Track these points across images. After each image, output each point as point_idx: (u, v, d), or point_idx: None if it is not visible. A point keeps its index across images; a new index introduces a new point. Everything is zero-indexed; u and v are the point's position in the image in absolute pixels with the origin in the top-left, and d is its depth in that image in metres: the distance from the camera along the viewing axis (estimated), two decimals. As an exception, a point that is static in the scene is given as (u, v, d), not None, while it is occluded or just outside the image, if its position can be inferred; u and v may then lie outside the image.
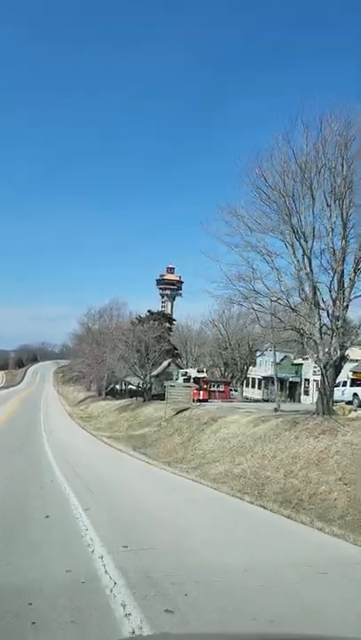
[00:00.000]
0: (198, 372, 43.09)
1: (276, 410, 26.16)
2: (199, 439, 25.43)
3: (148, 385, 50.65)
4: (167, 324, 60.01)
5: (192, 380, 43.62)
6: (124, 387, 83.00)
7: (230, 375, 55.89)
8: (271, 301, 19.12)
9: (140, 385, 52.10)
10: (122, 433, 35.51)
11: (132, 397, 59.82)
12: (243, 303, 20.10)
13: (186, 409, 35.63)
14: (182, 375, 45.39)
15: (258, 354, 53.06)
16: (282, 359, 51.48)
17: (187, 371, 46.15)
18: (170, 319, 59.63)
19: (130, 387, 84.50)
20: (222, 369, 58.23)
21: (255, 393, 54.37)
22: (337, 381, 22.91)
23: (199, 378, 42.50)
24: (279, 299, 18.87)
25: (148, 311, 58.64)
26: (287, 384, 46.63)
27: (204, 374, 43.56)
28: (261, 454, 17.01)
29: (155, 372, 51.31)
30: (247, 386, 55.93)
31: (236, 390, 53.60)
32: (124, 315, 63.68)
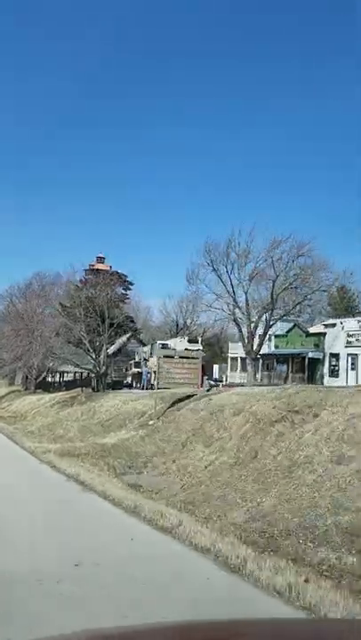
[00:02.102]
0: (190, 341, 28.08)
1: None
2: (304, 459, 10.62)
3: (103, 368, 34.97)
4: (121, 290, 44.35)
5: (177, 357, 28.72)
6: (57, 379, 66.63)
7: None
8: None
9: (92, 370, 36.31)
10: (79, 443, 19.85)
11: (69, 390, 43.92)
12: None
13: (188, 397, 20.78)
14: (161, 348, 30.36)
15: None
16: (289, 330, 37.62)
17: (168, 343, 31.17)
18: (126, 282, 44.03)
19: (65, 378, 68.31)
20: None
21: (235, 377, 39.76)
22: None
23: (194, 350, 27.81)
24: None
25: (97, 270, 42.74)
26: (306, 362, 32.74)
27: (198, 346, 28.69)
28: None
29: (111, 350, 35.74)
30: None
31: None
32: (59, 284, 46.72)
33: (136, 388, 33.27)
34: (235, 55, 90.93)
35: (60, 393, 44.24)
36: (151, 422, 19.79)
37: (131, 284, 43.48)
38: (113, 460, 15.43)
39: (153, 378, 30.57)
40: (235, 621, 2.90)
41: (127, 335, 40.89)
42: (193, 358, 21.43)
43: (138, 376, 33.99)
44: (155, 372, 30.13)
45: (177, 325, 55.79)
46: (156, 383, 27.63)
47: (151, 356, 31.38)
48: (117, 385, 37.11)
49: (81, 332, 34.55)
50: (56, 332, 34.73)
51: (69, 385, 56.01)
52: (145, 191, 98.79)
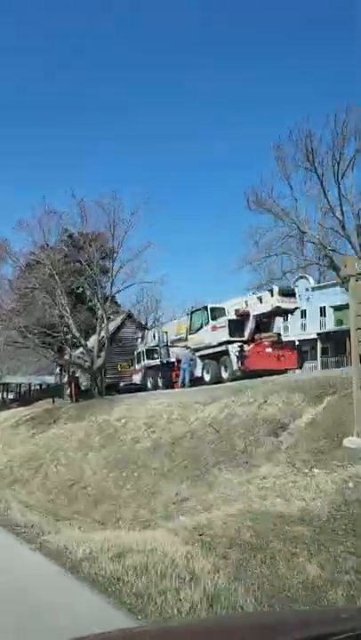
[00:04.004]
0: (284, 293, 15.58)
1: None
2: None
3: (99, 361, 22.26)
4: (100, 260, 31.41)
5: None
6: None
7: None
8: None
9: (80, 364, 23.47)
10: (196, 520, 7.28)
11: (26, 405, 30.59)
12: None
13: None
14: (214, 317, 17.70)
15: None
16: None
17: (223, 306, 18.58)
18: (107, 248, 30.71)
19: (9, 393, 53.91)
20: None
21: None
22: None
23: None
24: None
25: (67, 234, 29.59)
26: None
27: (295, 300, 16.33)
28: None
29: (103, 334, 23.12)
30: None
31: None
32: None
33: (155, 388, 20.91)
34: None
35: (17, 409, 30.72)
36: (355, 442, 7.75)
37: (113, 251, 30.35)
38: None
39: (201, 368, 18.35)
40: (235, 616, 3.21)
41: (121, 317, 28.40)
42: None
43: (156, 370, 21.60)
44: (207, 355, 17.84)
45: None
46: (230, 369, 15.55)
47: (193, 332, 18.95)
48: (110, 389, 24.32)
49: (62, 305, 21.75)
50: (21, 304, 21.37)
51: (23, 400, 41.92)
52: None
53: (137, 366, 24.04)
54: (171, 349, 21.69)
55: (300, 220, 17.81)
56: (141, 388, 23.04)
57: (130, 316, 28.65)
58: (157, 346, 22.11)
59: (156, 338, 23.42)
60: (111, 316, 31.40)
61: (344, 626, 1.81)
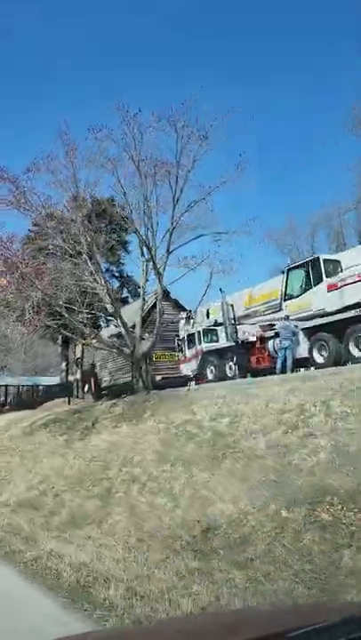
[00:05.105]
0: None
1: None
2: None
3: (144, 346, 16.98)
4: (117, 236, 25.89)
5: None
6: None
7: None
8: None
9: (118, 348, 18.03)
10: None
11: (22, 408, 25.10)
12: None
13: None
14: (328, 274, 12.62)
15: None
16: None
17: (338, 258, 13.53)
18: (119, 220, 24.44)
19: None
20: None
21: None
22: None
23: None
24: None
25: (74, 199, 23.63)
26: None
27: None
28: None
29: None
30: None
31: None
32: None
33: (222, 379, 15.76)
34: None
35: (18, 414, 25.03)
36: None
37: (125, 219, 23.37)
38: None
39: (308, 345, 13.27)
40: (235, 612, 3.18)
41: (154, 294, 23.10)
42: None
43: (223, 355, 16.42)
44: (319, 326, 12.76)
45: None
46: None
47: (292, 297, 13.75)
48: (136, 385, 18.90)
49: (93, 272, 16.42)
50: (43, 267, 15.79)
51: (20, 403, 35.71)
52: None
53: (188, 353, 18.69)
54: (238, 327, 16.55)
55: None
56: (201, 377, 17.74)
57: (166, 293, 23.32)
58: (221, 324, 16.89)
59: (211, 317, 18.24)
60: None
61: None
